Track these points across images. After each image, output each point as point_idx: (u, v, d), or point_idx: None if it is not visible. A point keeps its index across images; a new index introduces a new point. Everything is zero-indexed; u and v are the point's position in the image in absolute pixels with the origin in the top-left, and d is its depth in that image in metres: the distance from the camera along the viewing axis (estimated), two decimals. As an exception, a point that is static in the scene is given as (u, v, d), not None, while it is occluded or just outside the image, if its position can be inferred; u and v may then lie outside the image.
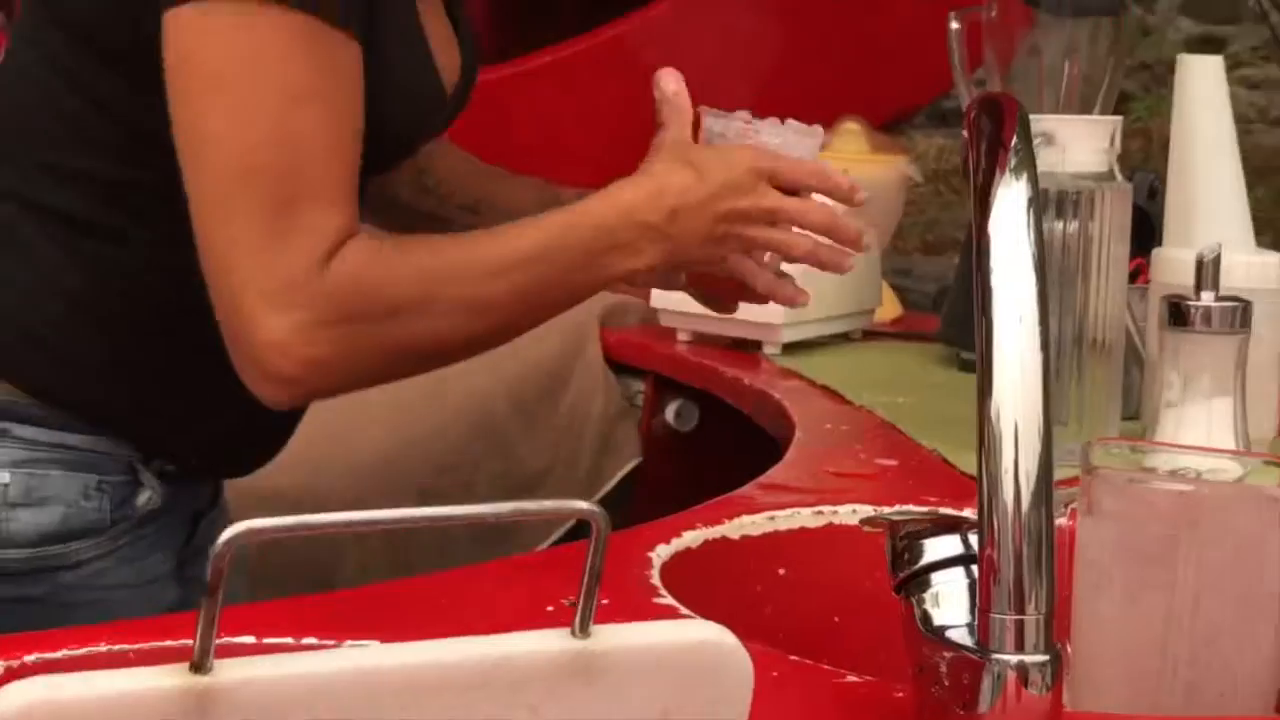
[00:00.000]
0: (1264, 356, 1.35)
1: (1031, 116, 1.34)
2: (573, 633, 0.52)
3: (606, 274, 1.16)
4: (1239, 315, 1.16)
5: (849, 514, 1.17)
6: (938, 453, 1.34)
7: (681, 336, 1.82)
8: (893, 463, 1.33)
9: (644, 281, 1.30)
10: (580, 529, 1.89)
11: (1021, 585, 0.68)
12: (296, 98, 1.05)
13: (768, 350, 1.75)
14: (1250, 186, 1.40)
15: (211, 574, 0.47)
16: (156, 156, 1.09)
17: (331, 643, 0.80)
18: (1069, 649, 1.01)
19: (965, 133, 0.80)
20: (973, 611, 0.72)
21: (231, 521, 1.38)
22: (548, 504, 0.53)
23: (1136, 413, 1.42)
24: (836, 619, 1.16)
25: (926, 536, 0.75)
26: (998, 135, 0.76)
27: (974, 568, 0.74)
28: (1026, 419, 0.69)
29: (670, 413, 1.86)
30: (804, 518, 1.16)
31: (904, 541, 0.76)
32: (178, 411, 1.23)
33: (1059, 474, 0.98)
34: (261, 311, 1.03)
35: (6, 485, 1.17)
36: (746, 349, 1.76)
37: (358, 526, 0.52)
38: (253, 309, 1.03)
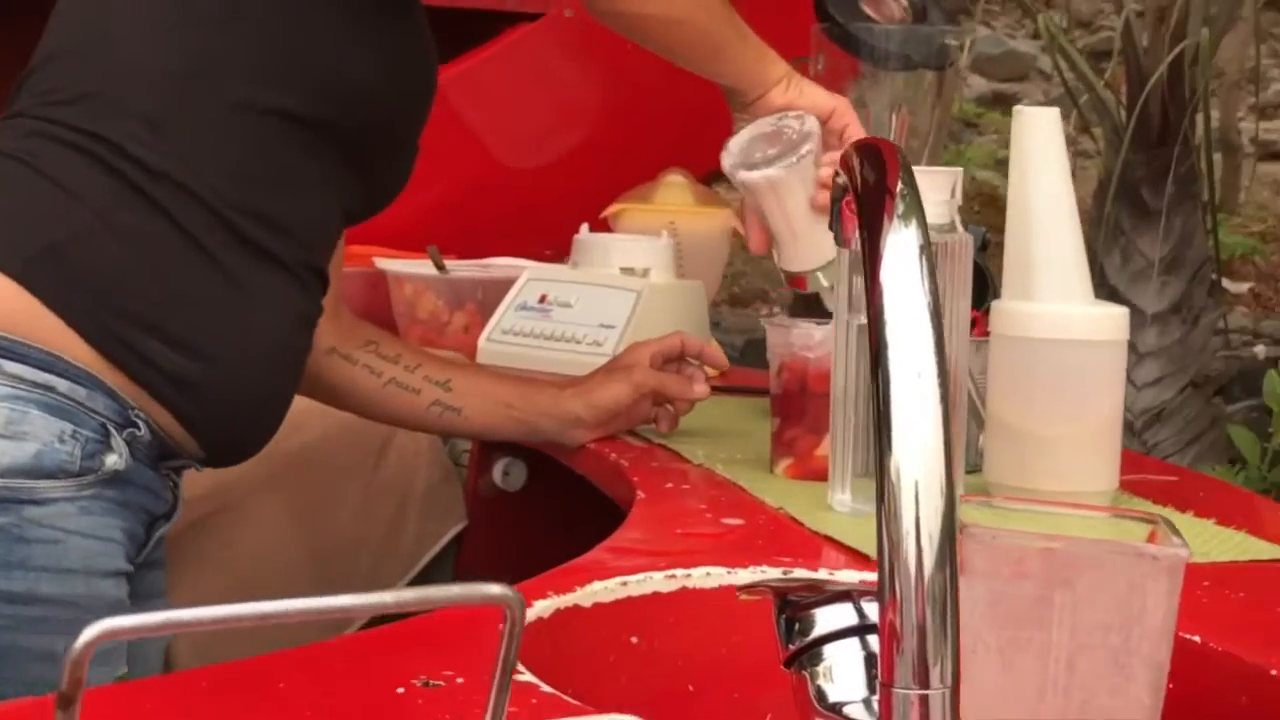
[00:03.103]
0: (1106, 408, 1.34)
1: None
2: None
3: None
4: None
5: (703, 577, 1.12)
6: (784, 511, 1.31)
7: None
8: (739, 522, 1.29)
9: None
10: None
11: (926, 657, 0.64)
12: None
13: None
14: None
15: (69, 681, 0.41)
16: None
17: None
18: None
19: (844, 180, 0.76)
20: (870, 686, 0.68)
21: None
22: (454, 589, 0.48)
23: (977, 466, 1.40)
24: (690, 687, 1.12)
25: (817, 606, 0.71)
26: (882, 182, 0.72)
27: (870, 639, 0.70)
28: (928, 478, 0.65)
29: (497, 472, 1.80)
30: (656, 582, 1.11)
31: (793, 612, 0.71)
32: (170, 357, 1.28)
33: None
34: None
35: None
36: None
37: (228, 623, 0.46)
38: None
